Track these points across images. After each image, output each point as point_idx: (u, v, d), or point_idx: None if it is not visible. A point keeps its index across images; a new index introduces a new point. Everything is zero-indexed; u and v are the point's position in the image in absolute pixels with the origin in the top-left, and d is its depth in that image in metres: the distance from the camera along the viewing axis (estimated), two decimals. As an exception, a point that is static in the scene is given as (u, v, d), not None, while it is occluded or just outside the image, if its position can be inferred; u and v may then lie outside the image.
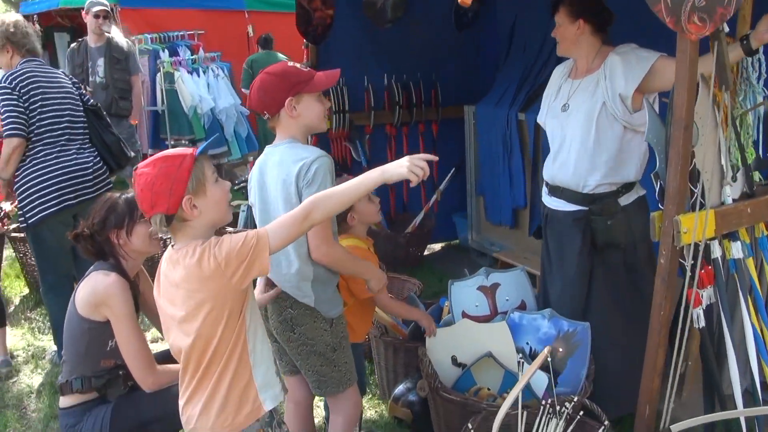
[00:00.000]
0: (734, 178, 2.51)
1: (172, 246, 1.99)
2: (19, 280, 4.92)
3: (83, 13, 5.30)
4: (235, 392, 1.96)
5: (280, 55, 7.30)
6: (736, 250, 2.49)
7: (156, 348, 3.62)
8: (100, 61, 5.29)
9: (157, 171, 1.88)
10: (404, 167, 1.97)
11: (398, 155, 5.26)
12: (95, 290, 2.62)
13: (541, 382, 2.73)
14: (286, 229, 1.92)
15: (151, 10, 7.35)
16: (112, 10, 6.76)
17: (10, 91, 3.41)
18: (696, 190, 2.33)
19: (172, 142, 6.91)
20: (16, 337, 4.12)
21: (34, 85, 3.46)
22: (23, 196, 3.48)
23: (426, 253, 5.62)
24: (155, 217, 1.89)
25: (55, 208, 3.46)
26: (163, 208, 1.87)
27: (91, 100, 3.79)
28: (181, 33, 7.45)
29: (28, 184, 3.48)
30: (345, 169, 5.19)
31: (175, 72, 6.92)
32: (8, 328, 4.05)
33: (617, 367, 2.88)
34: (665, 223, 2.32)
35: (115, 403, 2.69)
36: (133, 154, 4.16)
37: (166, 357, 2.99)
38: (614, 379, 2.87)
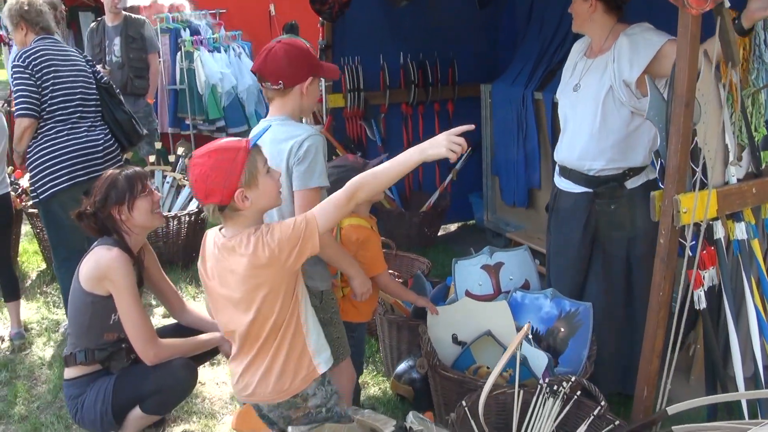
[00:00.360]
0: (740, 158, 2.45)
1: (220, 230, 2.10)
2: (36, 256, 5.02)
3: (100, -9, 5.35)
4: (291, 360, 2.12)
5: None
6: (740, 230, 2.44)
7: (160, 323, 3.70)
8: (117, 40, 5.34)
9: (212, 163, 1.97)
10: (443, 146, 2.03)
11: (414, 134, 5.35)
12: (98, 264, 2.67)
13: (541, 361, 2.71)
14: (332, 210, 2.04)
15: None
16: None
17: (23, 69, 3.45)
18: (697, 169, 2.28)
19: (191, 122, 6.96)
20: (32, 311, 4.21)
21: (46, 63, 3.50)
22: (35, 171, 3.54)
23: (441, 232, 5.60)
24: (208, 206, 2.01)
25: (66, 184, 3.51)
26: (217, 199, 1.98)
27: (105, 78, 3.82)
28: (203, 12, 7.46)
29: (40, 160, 3.53)
30: (360, 148, 5.18)
31: (195, 51, 6.95)
32: (24, 302, 4.14)
33: (606, 352, 2.86)
34: (665, 202, 2.28)
35: (117, 376, 2.74)
36: (146, 132, 4.19)
37: (174, 330, 3.05)
38: (603, 363, 2.85)
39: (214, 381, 3.42)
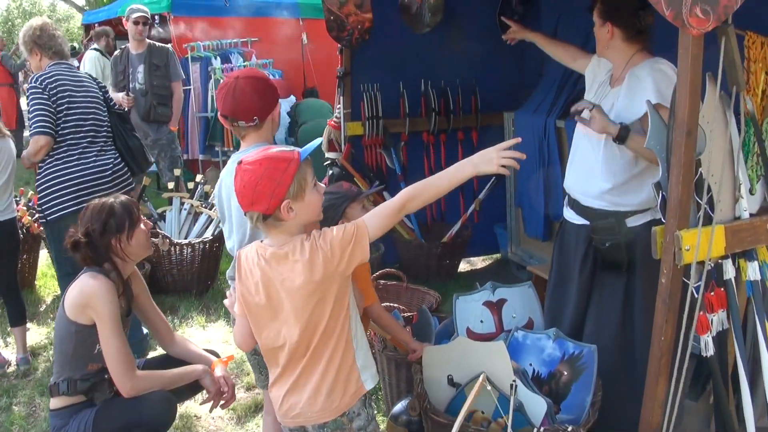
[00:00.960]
0: (752, 191, 2.25)
1: (262, 242, 2.07)
2: (53, 280, 5.03)
3: (123, 20, 5.42)
4: (342, 375, 2.06)
5: (326, 103, 7.23)
6: (753, 270, 2.23)
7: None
8: (140, 68, 5.39)
9: (262, 171, 1.94)
10: (493, 163, 2.03)
11: (436, 164, 5.22)
12: (82, 291, 2.62)
13: (539, 408, 2.53)
14: (383, 218, 2.03)
15: (205, 18, 7.46)
16: (164, 17, 6.94)
17: (40, 91, 3.53)
18: (702, 203, 2.10)
19: (221, 149, 6.98)
20: (41, 336, 4.20)
21: (61, 88, 3.57)
22: (44, 193, 3.59)
23: (466, 266, 5.44)
24: (252, 213, 1.98)
25: (73, 208, 3.54)
26: (262, 208, 1.94)
27: (117, 105, 3.87)
28: (234, 41, 7.54)
29: (49, 183, 3.58)
30: (379, 176, 5.07)
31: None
32: (35, 326, 4.14)
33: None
34: (666, 238, 2.10)
35: (99, 408, 2.67)
36: (152, 159, 4.21)
37: (162, 362, 2.97)
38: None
39: (211, 416, 3.32)
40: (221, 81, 6.92)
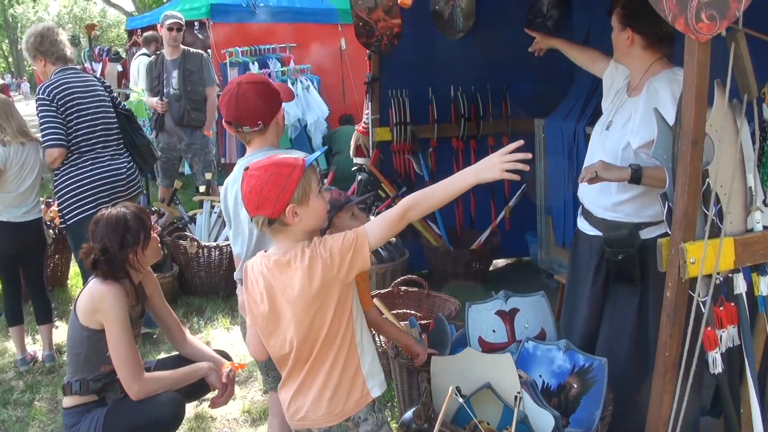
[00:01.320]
0: (766, 203, 2.16)
1: (265, 251, 2.10)
2: (86, 280, 5.18)
3: (158, 26, 5.53)
4: (345, 381, 2.07)
5: None
6: (766, 285, 2.14)
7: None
8: (175, 73, 5.49)
9: (267, 176, 1.97)
10: (497, 169, 1.97)
11: (466, 169, 5.17)
12: (92, 297, 2.67)
13: (546, 422, 2.47)
14: (384, 226, 2.03)
15: (244, 24, 7.56)
16: (203, 23, 7.06)
17: (48, 102, 3.59)
18: (709, 214, 2.02)
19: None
20: (69, 334, 4.31)
21: (70, 96, 3.63)
22: (63, 199, 3.69)
23: (495, 274, 5.38)
24: (258, 218, 2.01)
25: (92, 211, 3.62)
26: (268, 212, 1.97)
27: (123, 104, 3.95)
28: (273, 47, 7.62)
29: (67, 188, 3.69)
30: (408, 182, 5.06)
31: (262, 84, 7.08)
32: (64, 324, 4.24)
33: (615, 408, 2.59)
34: (671, 251, 2.03)
35: (110, 407, 2.72)
36: (159, 154, 4.32)
37: (175, 362, 3.01)
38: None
39: (226, 417, 3.36)
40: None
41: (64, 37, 3.77)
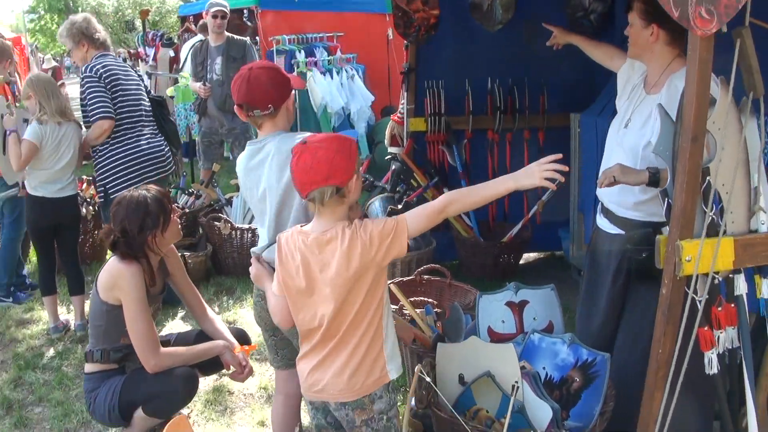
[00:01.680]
0: (773, 203, 2.12)
1: (302, 227, 2.17)
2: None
3: (204, 13, 5.66)
4: (367, 360, 2.14)
5: None
6: (768, 287, 2.11)
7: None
8: (219, 60, 5.63)
9: (335, 147, 2.06)
10: (535, 176, 2.11)
11: (500, 163, 5.17)
12: (110, 274, 2.79)
13: (545, 413, 2.49)
14: (423, 217, 2.12)
15: (292, 12, 7.67)
16: (252, 11, 7.19)
17: (96, 79, 3.77)
18: (709, 212, 2.00)
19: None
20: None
21: (114, 76, 3.81)
22: (107, 172, 3.90)
23: (526, 267, 5.37)
24: (326, 188, 2.04)
25: (137, 180, 3.82)
26: (338, 180, 2.04)
27: (152, 92, 4.13)
28: (320, 35, 7.71)
29: (111, 162, 3.90)
30: (441, 173, 5.08)
31: (308, 72, 7.19)
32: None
33: (629, 410, 2.56)
34: (668, 248, 2.02)
35: (127, 376, 2.85)
36: (184, 140, 4.53)
37: (196, 337, 3.13)
38: (626, 421, 2.54)
39: (243, 392, 3.47)
40: (304, 73, 7.17)
41: (102, 27, 3.99)
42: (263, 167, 2.45)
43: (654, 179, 2.41)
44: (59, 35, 4.01)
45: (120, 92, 3.84)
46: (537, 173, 2.11)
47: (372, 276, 2.08)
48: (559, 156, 2.15)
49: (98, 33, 3.92)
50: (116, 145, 3.89)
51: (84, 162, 4.06)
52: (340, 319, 2.10)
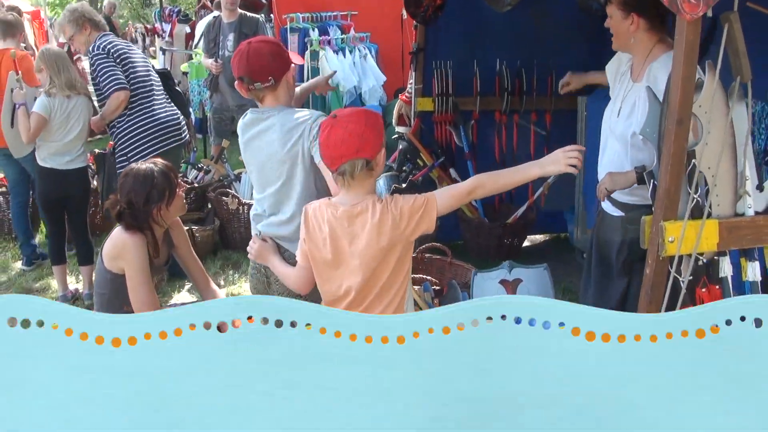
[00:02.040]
0: (760, 187, 2.15)
1: (330, 199, 2.22)
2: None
3: (218, -10, 5.71)
4: None
5: None
6: (753, 271, 2.14)
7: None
8: (231, 36, 5.68)
9: (365, 121, 2.12)
10: (561, 163, 2.17)
11: (507, 144, 5.18)
12: (115, 244, 2.86)
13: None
14: (452, 197, 2.20)
15: (307, -10, 7.67)
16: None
17: (105, 55, 3.89)
18: (693, 194, 2.03)
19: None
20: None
21: (121, 50, 3.96)
22: (128, 140, 4.01)
23: (530, 248, 5.40)
24: (356, 161, 2.09)
25: (159, 150, 3.96)
26: (368, 153, 2.10)
27: (168, 68, 4.24)
28: (334, 13, 7.71)
29: (131, 130, 4.02)
30: (447, 153, 5.11)
31: (320, 50, 7.21)
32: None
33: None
34: (653, 229, 2.06)
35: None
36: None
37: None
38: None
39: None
40: (317, 52, 7.20)
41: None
42: (264, 138, 2.50)
43: (641, 178, 2.45)
44: (59, 25, 4.17)
45: (129, 65, 3.98)
46: (562, 160, 2.17)
47: (400, 250, 2.14)
48: (583, 148, 2.23)
49: (97, 16, 4.15)
50: (134, 116, 4.03)
51: (89, 138, 4.17)
52: (366, 291, 2.16)
